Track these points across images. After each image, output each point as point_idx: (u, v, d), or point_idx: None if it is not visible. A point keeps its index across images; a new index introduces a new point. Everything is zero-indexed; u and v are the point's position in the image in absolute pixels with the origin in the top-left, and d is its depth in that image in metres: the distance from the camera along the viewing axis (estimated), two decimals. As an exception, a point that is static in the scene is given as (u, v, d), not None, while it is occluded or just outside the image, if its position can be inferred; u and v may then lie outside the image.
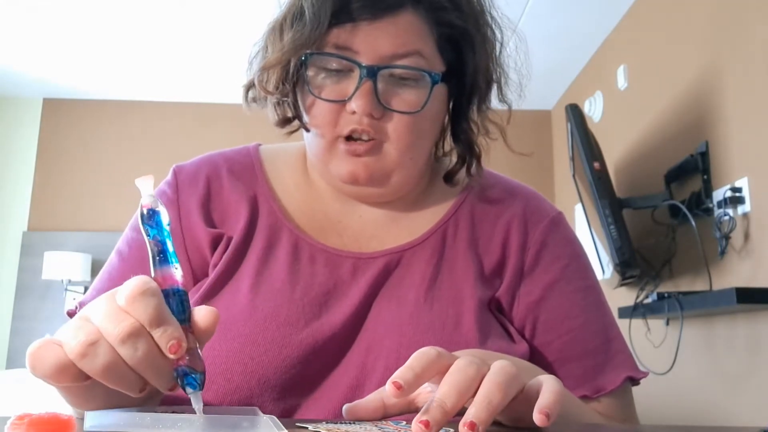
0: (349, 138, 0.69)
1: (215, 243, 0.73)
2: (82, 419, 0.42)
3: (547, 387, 0.48)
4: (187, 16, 3.01)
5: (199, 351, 0.45)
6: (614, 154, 2.75)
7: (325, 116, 0.68)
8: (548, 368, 0.71)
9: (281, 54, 0.67)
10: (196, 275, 0.73)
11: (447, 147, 0.80)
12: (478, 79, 0.73)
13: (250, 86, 0.75)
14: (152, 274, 0.46)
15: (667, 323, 2.25)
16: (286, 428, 0.43)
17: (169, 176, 0.78)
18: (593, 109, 3.05)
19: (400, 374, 0.45)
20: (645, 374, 0.74)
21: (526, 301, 0.73)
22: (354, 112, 0.67)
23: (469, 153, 0.76)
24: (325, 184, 0.77)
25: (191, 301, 0.67)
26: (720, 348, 1.98)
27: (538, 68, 3.61)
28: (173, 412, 0.45)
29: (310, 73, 0.69)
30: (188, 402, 0.45)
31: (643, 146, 2.55)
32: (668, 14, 2.39)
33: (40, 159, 3.93)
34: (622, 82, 2.77)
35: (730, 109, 1.95)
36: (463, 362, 0.47)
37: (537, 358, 0.72)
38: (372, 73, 0.66)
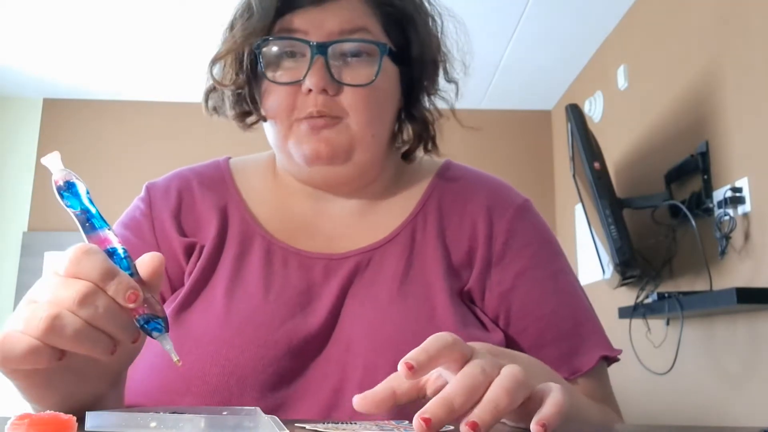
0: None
1: (189, 252, 0.74)
2: (82, 419, 0.42)
3: (551, 398, 0.47)
4: (188, 16, 3.01)
5: (155, 297, 0.46)
6: (614, 154, 2.75)
7: (281, 102, 0.71)
8: None
9: (233, 44, 0.71)
10: (173, 284, 0.74)
11: (406, 136, 0.83)
12: (424, 58, 0.77)
13: (209, 91, 0.79)
14: (86, 242, 0.46)
15: (668, 323, 2.25)
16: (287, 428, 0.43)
17: (142, 193, 0.80)
18: (593, 109, 3.05)
19: (413, 355, 0.45)
20: (619, 351, 0.75)
21: (498, 291, 0.74)
22: (310, 91, 0.69)
23: (425, 131, 0.80)
24: (295, 182, 0.79)
25: (168, 312, 0.68)
26: (720, 348, 1.98)
27: (538, 68, 3.60)
28: (174, 413, 0.45)
29: (264, 61, 0.72)
30: (188, 404, 0.45)
31: (643, 146, 2.55)
32: (668, 14, 2.39)
33: (40, 159, 3.92)
34: (622, 82, 2.77)
35: (730, 109, 1.95)
36: (472, 368, 0.46)
37: (513, 345, 0.73)
38: (323, 50, 0.69)
